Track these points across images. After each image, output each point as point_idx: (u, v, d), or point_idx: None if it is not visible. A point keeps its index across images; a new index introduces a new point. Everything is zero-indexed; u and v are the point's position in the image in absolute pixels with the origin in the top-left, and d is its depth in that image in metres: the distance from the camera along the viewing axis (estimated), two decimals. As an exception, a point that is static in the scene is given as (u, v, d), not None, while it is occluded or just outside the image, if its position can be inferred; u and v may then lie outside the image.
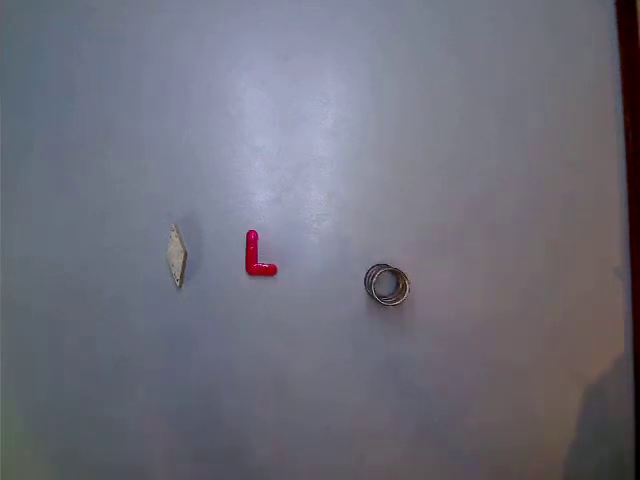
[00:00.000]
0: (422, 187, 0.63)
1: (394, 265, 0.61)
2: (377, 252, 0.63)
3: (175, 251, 0.59)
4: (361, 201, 0.63)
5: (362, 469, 0.63)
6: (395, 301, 0.58)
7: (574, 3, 0.64)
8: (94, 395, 0.61)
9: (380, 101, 0.63)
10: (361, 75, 0.63)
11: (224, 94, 0.62)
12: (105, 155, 0.61)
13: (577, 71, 0.65)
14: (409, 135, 0.63)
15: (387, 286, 0.62)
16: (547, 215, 0.64)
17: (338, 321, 0.62)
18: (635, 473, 0.64)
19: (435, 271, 0.63)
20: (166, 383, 0.61)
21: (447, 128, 0.64)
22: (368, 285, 0.58)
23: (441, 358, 0.63)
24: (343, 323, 0.62)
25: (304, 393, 0.62)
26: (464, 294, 0.63)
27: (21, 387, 0.60)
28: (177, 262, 0.59)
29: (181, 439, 0.61)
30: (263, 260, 0.61)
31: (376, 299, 0.58)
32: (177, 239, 0.59)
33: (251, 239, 0.60)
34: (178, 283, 0.59)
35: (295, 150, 0.63)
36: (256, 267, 0.60)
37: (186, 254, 0.60)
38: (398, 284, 0.60)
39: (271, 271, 0.61)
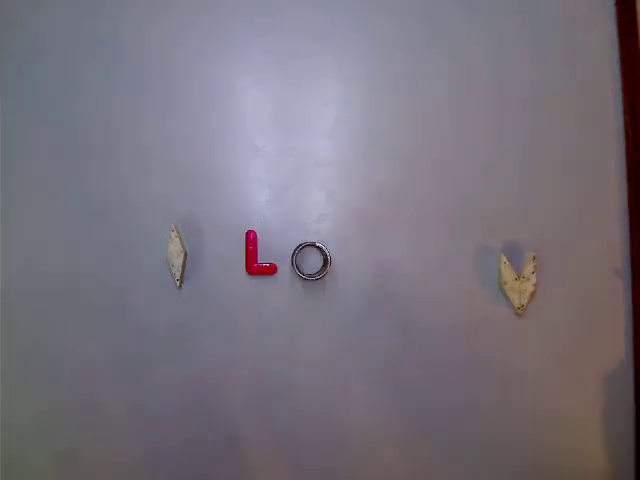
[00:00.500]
0: (422, 187, 0.63)
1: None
2: (377, 252, 0.63)
3: (175, 251, 0.59)
4: (361, 201, 0.63)
5: (362, 469, 0.63)
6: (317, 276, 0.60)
7: (573, 3, 0.64)
8: (94, 395, 0.61)
9: (380, 101, 0.63)
10: (361, 76, 0.63)
11: (225, 95, 0.62)
12: (105, 155, 0.61)
13: (577, 71, 0.65)
14: (409, 135, 0.63)
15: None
16: (547, 215, 0.64)
17: (338, 321, 0.62)
18: (635, 474, 0.64)
19: (437, 273, 0.63)
20: (166, 382, 0.61)
21: (446, 128, 0.64)
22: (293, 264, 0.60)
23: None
24: (343, 323, 0.63)
25: (304, 393, 0.62)
26: (466, 295, 0.63)
27: (21, 387, 0.60)
28: (177, 262, 0.59)
29: (181, 439, 0.61)
30: (263, 260, 0.61)
31: (300, 275, 0.59)
32: (177, 239, 0.59)
33: (250, 239, 0.60)
34: (178, 283, 0.59)
35: (295, 150, 0.63)
36: (256, 267, 0.60)
37: (186, 254, 0.60)
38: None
39: (271, 270, 0.61)
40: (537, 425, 0.64)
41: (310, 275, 0.60)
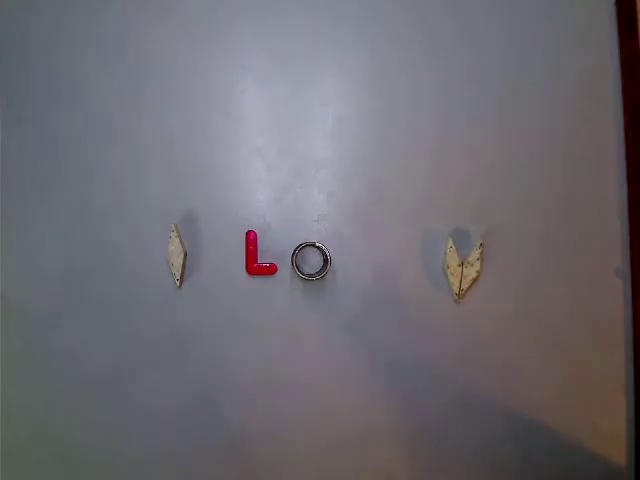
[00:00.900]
0: (421, 187, 0.63)
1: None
2: (377, 252, 0.63)
3: (175, 251, 0.59)
4: (361, 201, 0.63)
5: (362, 469, 0.63)
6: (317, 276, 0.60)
7: (573, 3, 0.64)
8: (94, 395, 0.61)
9: (380, 101, 0.63)
10: (360, 76, 0.63)
11: (224, 95, 0.62)
12: (105, 155, 0.61)
13: (576, 71, 0.64)
14: (409, 135, 0.63)
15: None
16: (546, 215, 0.64)
17: (338, 321, 0.63)
18: (635, 474, 0.64)
19: (434, 272, 0.63)
20: (166, 382, 0.61)
21: (447, 128, 0.64)
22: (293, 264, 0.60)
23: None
24: (343, 323, 0.63)
25: (304, 392, 0.62)
26: (468, 294, 0.63)
27: (21, 387, 0.61)
28: (177, 262, 0.59)
29: (181, 439, 0.62)
30: (263, 260, 0.61)
31: (300, 275, 0.59)
32: (177, 239, 0.59)
33: (250, 239, 0.60)
34: (178, 283, 0.59)
35: (295, 150, 0.63)
36: (256, 267, 0.60)
37: (186, 254, 0.60)
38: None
39: (272, 270, 0.61)
40: (534, 425, 0.64)
41: (310, 275, 0.60)
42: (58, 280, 0.60)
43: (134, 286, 0.61)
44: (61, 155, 0.61)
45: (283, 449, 0.62)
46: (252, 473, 0.62)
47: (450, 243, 0.60)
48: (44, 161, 0.61)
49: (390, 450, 0.63)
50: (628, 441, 0.64)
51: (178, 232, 0.60)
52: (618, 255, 0.64)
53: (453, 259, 0.60)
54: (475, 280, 0.61)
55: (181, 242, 0.59)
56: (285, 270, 0.62)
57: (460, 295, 0.61)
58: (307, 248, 0.62)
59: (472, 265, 0.60)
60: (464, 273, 0.60)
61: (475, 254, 0.60)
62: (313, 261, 0.63)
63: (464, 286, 0.60)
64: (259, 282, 0.62)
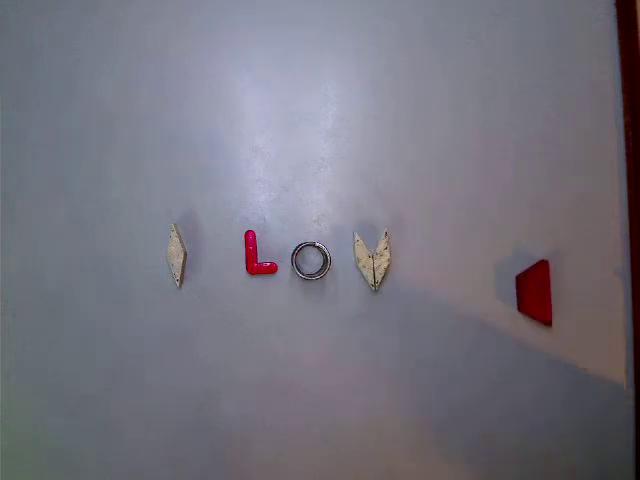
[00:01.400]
0: (421, 187, 0.63)
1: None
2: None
3: (175, 251, 0.59)
4: (361, 201, 0.63)
5: (362, 469, 0.63)
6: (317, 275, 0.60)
7: (573, 3, 0.64)
8: (94, 395, 0.61)
9: (380, 101, 0.63)
10: (361, 76, 0.63)
11: (223, 94, 0.62)
12: (104, 155, 0.61)
13: (576, 71, 0.64)
14: (408, 135, 0.63)
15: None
16: (546, 215, 0.64)
17: (338, 321, 0.63)
18: (635, 473, 0.64)
19: (435, 275, 0.63)
20: (166, 382, 0.61)
21: (445, 129, 0.64)
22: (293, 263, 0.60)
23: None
24: (343, 323, 0.63)
25: (304, 392, 0.62)
26: (468, 288, 0.63)
27: (21, 387, 0.61)
28: (177, 262, 0.59)
29: (180, 439, 0.62)
30: (263, 260, 0.61)
31: (300, 275, 0.59)
32: (177, 239, 0.59)
33: (249, 239, 0.60)
34: (178, 283, 0.59)
35: (295, 150, 0.63)
36: (256, 267, 0.60)
37: (186, 254, 0.60)
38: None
39: (272, 269, 0.61)
40: (533, 425, 0.64)
41: (310, 275, 0.60)
42: (58, 280, 0.60)
43: (134, 286, 0.61)
44: (60, 156, 0.61)
45: (283, 449, 0.62)
46: (252, 472, 0.62)
47: (357, 237, 0.60)
48: (43, 162, 0.61)
49: (390, 450, 0.63)
50: (628, 442, 0.64)
51: (178, 232, 0.59)
52: (618, 255, 0.64)
53: (362, 252, 0.60)
54: (387, 269, 0.61)
55: (181, 242, 0.59)
56: (285, 270, 0.62)
57: (376, 286, 0.61)
58: (307, 248, 0.62)
59: (382, 256, 0.60)
60: (375, 265, 0.60)
61: (382, 244, 0.60)
62: (313, 261, 0.63)
63: (378, 278, 0.60)
64: (259, 282, 0.62)
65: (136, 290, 0.61)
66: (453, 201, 0.63)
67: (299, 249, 0.60)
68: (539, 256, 0.63)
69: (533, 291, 0.61)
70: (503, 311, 0.63)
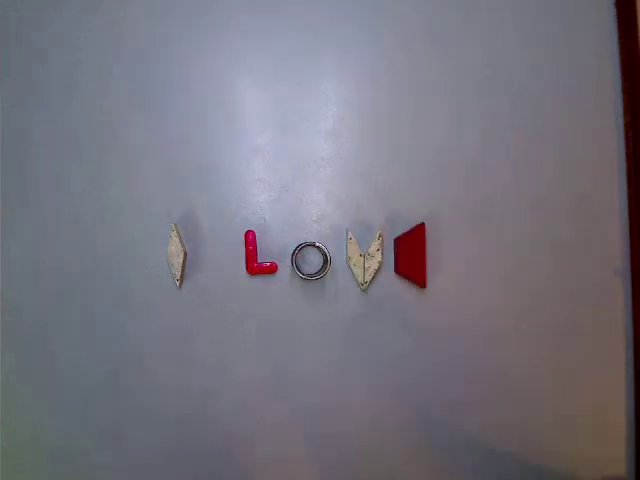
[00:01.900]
0: (420, 187, 0.63)
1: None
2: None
3: (175, 251, 0.59)
4: (361, 201, 0.63)
5: (362, 469, 0.63)
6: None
7: (573, 3, 0.64)
8: (94, 395, 0.61)
9: (380, 102, 0.63)
10: (361, 76, 0.63)
11: (224, 94, 0.62)
12: (104, 155, 0.61)
13: (576, 71, 0.64)
14: (408, 135, 0.63)
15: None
16: (546, 215, 0.64)
17: (338, 321, 0.63)
18: (635, 473, 0.64)
19: (436, 275, 0.63)
20: (166, 382, 0.61)
21: (445, 129, 0.64)
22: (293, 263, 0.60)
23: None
24: (343, 322, 0.63)
25: (305, 392, 0.62)
26: (472, 293, 0.63)
27: (21, 387, 0.61)
28: (177, 262, 0.59)
29: (180, 439, 0.62)
30: (262, 260, 0.61)
31: (300, 275, 0.59)
32: (177, 239, 0.59)
33: (249, 239, 0.60)
34: (178, 283, 0.59)
35: (295, 150, 0.63)
36: (256, 267, 0.60)
37: (186, 254, 0.60)
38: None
39: (272, 269, 0.61)
40: (533, 425, 0.64)
41: (310, 275, 0.60)
42: (57, 280, 0.60)
43: (134, 286, 0.61)
44: (60, 156, 0.61)
45: (283, 449, 0.62)
46: (252, 472, 0.62)
47: (350, 235, 0.60)
48: (42, 162, 0.61)
49: (391, 449, 0.63)
50: (628, 442, 0.64)
51: (178, 232, 0.59)
52: (618, 255, 0.64)
53: (354, 250, 0.60)
54: (377, 271, 0.61)
55: (181, 242, 0.59)
56: (285, 270, 0.62)
57: (364, 286, 0.61)
58: (307, 248, 0.62)
59: (373, 257, 0.60)
60: (365, 265, 0.60)
61: (375, 245, 0.60)
62: (313, 261, 0.63)
63: (367, 278, 0.61)
64: (259, 282, 0.62)
65: (136, 290, 0.61)
66: (453, 201, 0.63)
67: (299, 249, 0.60)
68: (539, 256, 0.63)
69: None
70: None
